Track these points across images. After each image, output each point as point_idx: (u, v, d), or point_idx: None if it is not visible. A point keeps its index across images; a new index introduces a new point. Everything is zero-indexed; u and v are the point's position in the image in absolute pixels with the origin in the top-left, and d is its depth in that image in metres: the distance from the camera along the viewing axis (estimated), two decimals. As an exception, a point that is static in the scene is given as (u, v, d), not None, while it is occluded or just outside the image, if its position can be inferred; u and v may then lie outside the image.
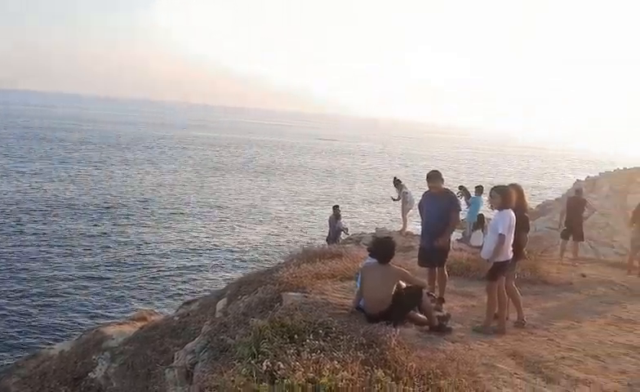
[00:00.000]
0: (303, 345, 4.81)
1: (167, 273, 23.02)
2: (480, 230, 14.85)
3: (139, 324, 11.64)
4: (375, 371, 4.53)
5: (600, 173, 43.07)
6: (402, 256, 13.00)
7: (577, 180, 44.60)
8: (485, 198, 15.20)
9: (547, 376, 5.45)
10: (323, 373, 4.20)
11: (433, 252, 7.87)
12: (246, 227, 32.63)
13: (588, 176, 45.36)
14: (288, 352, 4.63)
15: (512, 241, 6.63)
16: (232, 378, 4.26)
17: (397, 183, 17.76)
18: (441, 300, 7.80)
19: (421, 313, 6.61)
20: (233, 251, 27.27)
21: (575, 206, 13.16)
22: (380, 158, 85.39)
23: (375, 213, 40.85)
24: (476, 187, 16.54)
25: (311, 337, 4.94)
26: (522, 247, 7.37)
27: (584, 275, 11.25)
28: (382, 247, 6.57)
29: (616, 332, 7.46)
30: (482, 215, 15.76)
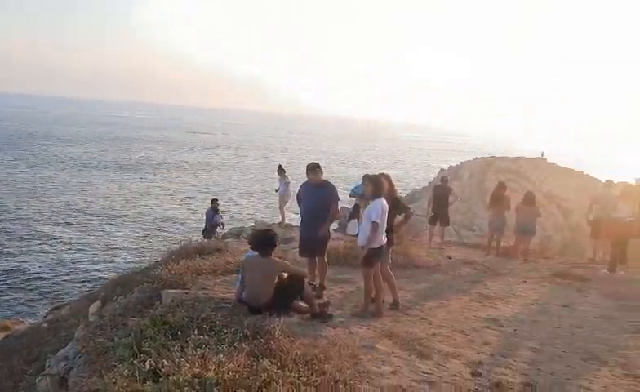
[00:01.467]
0: (187, 342, 4.74)
1: (31, 278, 21.43)
2: (355, 220, 15.32)
3: (1, 335, 10.74)
4: (261, 360, 4.59)
5: (461, 162, 46.37)
6: (282, 248, 13.18)
7: (441, 169, 47.65)
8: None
9: (421, 352, 5.81)
10: (209, 367, 4.18)
11: (313, 242, 8.04)
12: (118, 227, 31.17)
13: (450, 165, 48.63)
14: (172, 349, 4.54)
15: (385, 227, 6.96)
16: (113, 380, 4.09)
17: (280, 171, 17.85)
18: (322, 288, 8.00)
19: (303, 302, 6.77)
20: (105, 253, 25.97)
21: (441, 193, 14.07)
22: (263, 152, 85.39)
23: (255, 206, 40.86)
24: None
25: (195, 333, 4.88)
26: (399, 228, 7.79)
27: (450, 257, 12.11)
28: (262, 240, 6.62)
29: (479, 308, 8.13)
30: (357, 204, 16.22)
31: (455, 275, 10.42)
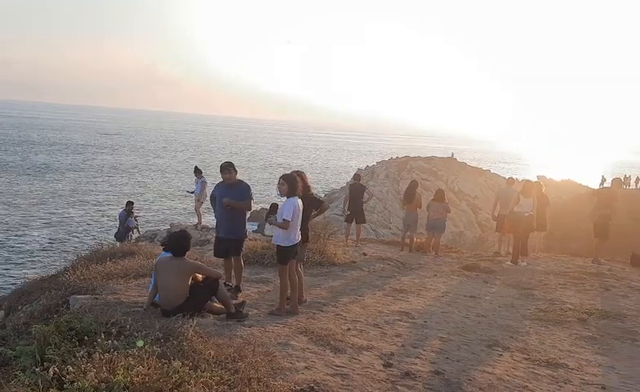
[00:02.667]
0: (94, 347, 4.58)
1: None
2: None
3: None
4: (173, 362, 4.51)
5: (377, 162, 47.50)
6: (198, 250, 13.00)
7: (359, 168, 48.52)
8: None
9: (335, 346, 5.93)
10: (117, 372, 4.06)
11: (228, 242, 8.00)
12: (24, 234, 29.46)
13: (367, 165, 49.74)
14: (78, 355, 4.37)
15: (299, 226, 7.04)
16: (14, 390, 3.89)
17: (197, 171, 17.54)
18: (238, 289, 7.98)
19: (218, 302, 6.72)
20: (9, 262, 24.46)
21: (356, 192, 14.36)
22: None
23: (172, 208, 39.92)
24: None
25: (103, 337, 4.72)
26: (313, 217, 7.94)
27: (365, 254, 12.39)
28: (176, 241, 6.52)
29: (392, 302, 8.38)
30: (275, 204, 16.17)
31: (370, 271, 10.67)
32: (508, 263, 12.35)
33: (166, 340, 5.15)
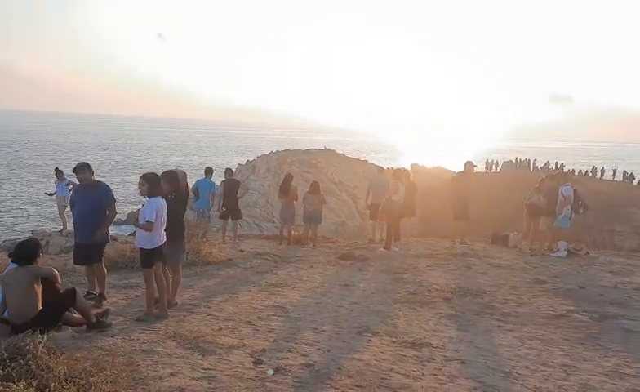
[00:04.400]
0: None
1: None
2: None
3: None
4: (17, 384, 4.11)
5: (257, 156, 47.38)
6: (64, 258, 12.10)
7: (239, 164, 48.12)
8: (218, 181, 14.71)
9: (204, 349, 5.74)
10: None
11: (88, 248, 7.51)
12: None
13: (247, 160, 49.43)
14: None
15: (164, 226, 6.75)
16: None
17: (58, 174, 16.33)
18: (101, 297, 7.52)
19: (78, 313, 6.26)
20: None
21: (230, 188, 14.13)
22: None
23: (38, 215, 37.12)
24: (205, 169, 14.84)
25: None
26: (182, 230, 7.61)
27: (242, 250, 12.23)
28: (23, 250, 5.99)
29: (267, 297, 8.31)
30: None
31: (247, 268, 10.54)
32: (382, 249, 12.78)
33: (12, 361, 4.68)
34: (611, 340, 6.78)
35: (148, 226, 6.47)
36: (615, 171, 59.53)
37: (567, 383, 5.39)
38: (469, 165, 14.16)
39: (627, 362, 6.03)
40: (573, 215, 12.53)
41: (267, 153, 51.73)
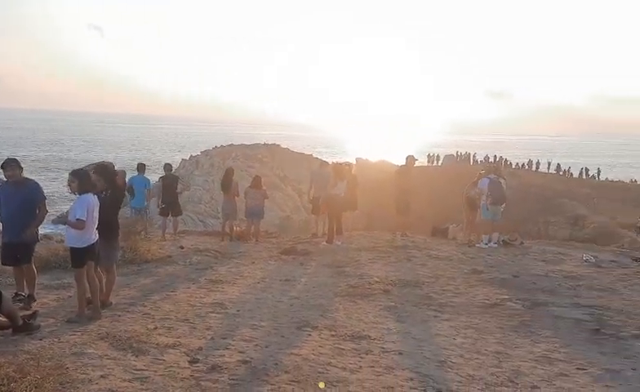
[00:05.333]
0: None
1: None
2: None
3: None
4: None
5: (201, 151, 46.68)
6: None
7: (183, 159, 47.32)
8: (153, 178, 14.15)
9: (137, 349, 5.57)
10: None
11: (16, 248, 7.18)
12: None
13: (191, 155, 48.63)
14: None
15: (96, 224, 6.53)
16: None
17: None
18: (31, 298, 7.21)
19: (3, 316, 5.97)
20: None
21: (169, 183, 13.83)
22: None
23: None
24: (138, 165, 14.42)
25: None
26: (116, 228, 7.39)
27: (182, 247, 11.97)
28: None
29: (206, 294, 8.17)
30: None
31: (186, 265, 10.34)
32: (324, 243, 12.81)
33: None
34: (542, 326, 7.03)
35: (80, 224, 6.25)
36: (549, 164, 61.99)
37: (499, 370, 5.54)
38: (410, 159, 14.34)
39: (555, 347, 6.26)
40: (490, 207, 12.92)
41: (211, 148, 51.05)
